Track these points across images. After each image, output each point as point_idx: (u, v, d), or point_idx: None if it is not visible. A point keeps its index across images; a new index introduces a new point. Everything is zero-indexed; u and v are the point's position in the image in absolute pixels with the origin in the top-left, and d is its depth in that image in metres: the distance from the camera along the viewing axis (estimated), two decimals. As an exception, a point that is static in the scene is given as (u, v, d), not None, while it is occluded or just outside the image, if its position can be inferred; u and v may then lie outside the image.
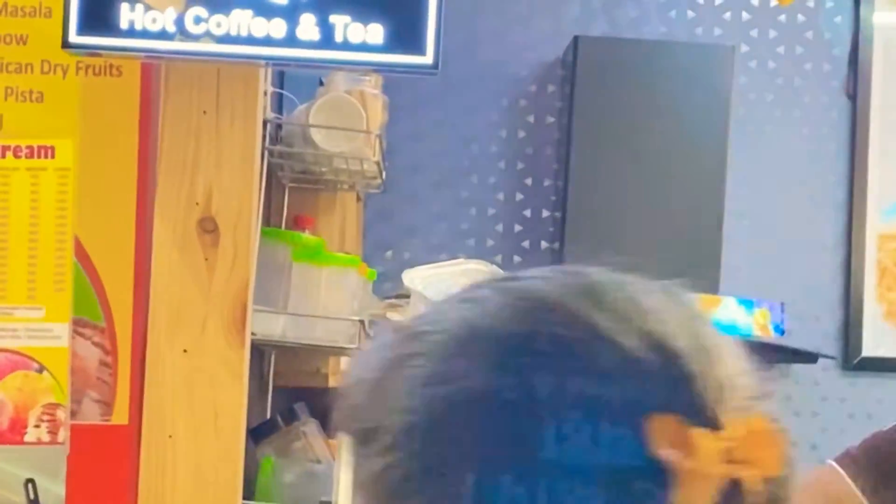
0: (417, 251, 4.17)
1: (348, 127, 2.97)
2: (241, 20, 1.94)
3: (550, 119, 4.36)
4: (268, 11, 1.95)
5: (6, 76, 2.15)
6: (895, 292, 4.30)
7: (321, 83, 3.17)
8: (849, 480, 2.43)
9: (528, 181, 4.36)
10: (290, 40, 1.94)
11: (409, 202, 4.32)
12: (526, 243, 4.33)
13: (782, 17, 4.40)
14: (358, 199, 3.71)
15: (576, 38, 4.18)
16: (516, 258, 4.29)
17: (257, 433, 3.02)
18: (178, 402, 1.99)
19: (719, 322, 3.94)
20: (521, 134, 4.37)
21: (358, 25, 1.95)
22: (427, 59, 1.96)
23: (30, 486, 2.11)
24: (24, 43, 2.15)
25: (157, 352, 2.01)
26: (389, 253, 4.24)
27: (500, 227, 4.35)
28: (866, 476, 2.45)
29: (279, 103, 3.22)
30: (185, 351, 2.00)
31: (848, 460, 2.46)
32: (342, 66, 2.02)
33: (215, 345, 2.00)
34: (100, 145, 2.11)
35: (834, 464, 2.44)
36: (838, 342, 4.26)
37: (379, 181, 3.33)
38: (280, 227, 3.21)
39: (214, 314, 2.01)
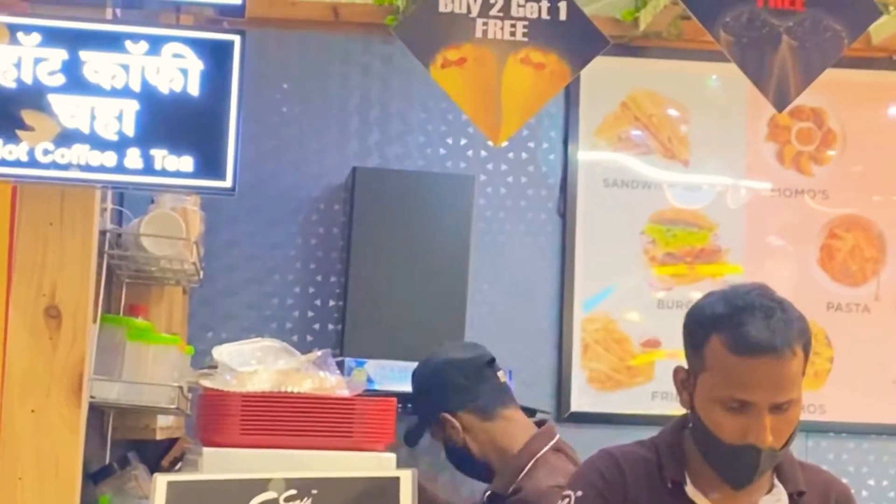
0: (232, 332, 4.12)
1: (171, 235, 2.96)
2: (80, 152, 1.94)
3: (335, 230, 4.37)
4: (101, 146, 1.95)
5: None
6: (595, 362, 4.39)
7: (153, 201, 3.16)
8: None
9: (319, 278, 4.36)
10: (119, 168, 1.95)
11: (227, 294, 4.29)
12: (316, 326, 4.33)
13: (510, 155, 4.49)
14: (184, 291, 3.69)
15: (354, 169, 4.21)
16: (309, 337, 4.28)
17: (97, 476, 2.96)
18: (26, 451, 1.96)
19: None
20: (313, 241, 4.37)
21: (173, 157, 1.96)
22: (227, 183, 1.98)
23: None
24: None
25: (11, 411, 1.97)
26: (210, 334, 4.20)
27: (296, 314, 4.34)
28: None
29: (119, 217, 3.20)
30: (32, 411, 1.97)
31: None
32: (160, 189, 2.03)
33: (57, 406, 1.98)
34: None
35: None
36: (553, 400, 4.33)
37: (197, 278, 3.32)
38: (119, 313, 3.18)
39: (57, 382, 1.99)
